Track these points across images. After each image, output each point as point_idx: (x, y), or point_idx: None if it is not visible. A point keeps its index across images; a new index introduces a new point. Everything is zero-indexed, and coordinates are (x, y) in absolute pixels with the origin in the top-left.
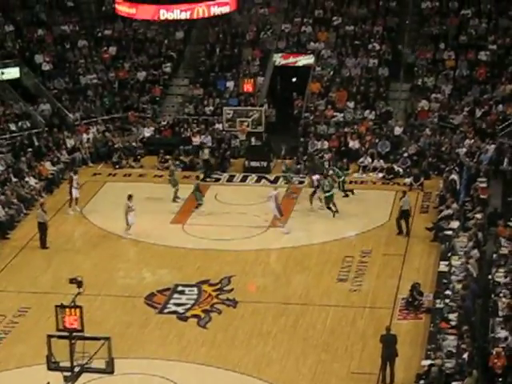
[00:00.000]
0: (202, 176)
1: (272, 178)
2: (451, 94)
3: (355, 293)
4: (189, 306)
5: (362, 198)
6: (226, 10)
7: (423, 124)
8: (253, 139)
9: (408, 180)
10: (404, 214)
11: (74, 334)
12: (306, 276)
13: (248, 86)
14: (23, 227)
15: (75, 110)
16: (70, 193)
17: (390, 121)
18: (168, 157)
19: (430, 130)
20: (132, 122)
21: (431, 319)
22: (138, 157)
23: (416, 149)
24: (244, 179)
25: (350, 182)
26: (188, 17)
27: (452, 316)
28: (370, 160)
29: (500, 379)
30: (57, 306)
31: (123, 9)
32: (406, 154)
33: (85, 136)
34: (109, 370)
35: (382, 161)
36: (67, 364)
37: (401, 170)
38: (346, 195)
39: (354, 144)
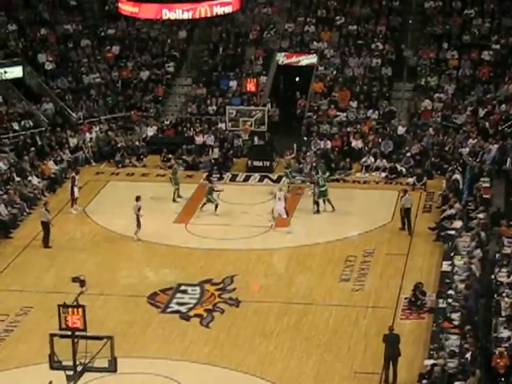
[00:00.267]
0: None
1: (275, 177)
2: (454, 93)
3: (358, 292)
4: (191, 305)
5: (364, 198)
6: (228, 9)
7: (426, 124)
8: (256, 139)
9: (411, 180)
10: (406, 213)
11: (77, 333)
12: (309, 276)
13: (251, 86)
14: (26, 226)
15: (78, 109)
16: (72, 192)
17: (393, 120)
18: (170, 156)
19: (433, 130)
20: (135, 122)
21: (434, 319)
22: (141, 156)
23: (419, 148)
24: (247, 179)
25: (353, 182)
26: (190, 16)
27: (455, 316)
28: (372, 159)
29: (503, 379)
30: (59, 305)
31: (126, 8)
32: (408, 154)
33: (88, 135)
34: (111, 369)
35: (384, 160)
36: (70, 363)
37: (404, 170)
38: (318, 210)
39: (356, 143)
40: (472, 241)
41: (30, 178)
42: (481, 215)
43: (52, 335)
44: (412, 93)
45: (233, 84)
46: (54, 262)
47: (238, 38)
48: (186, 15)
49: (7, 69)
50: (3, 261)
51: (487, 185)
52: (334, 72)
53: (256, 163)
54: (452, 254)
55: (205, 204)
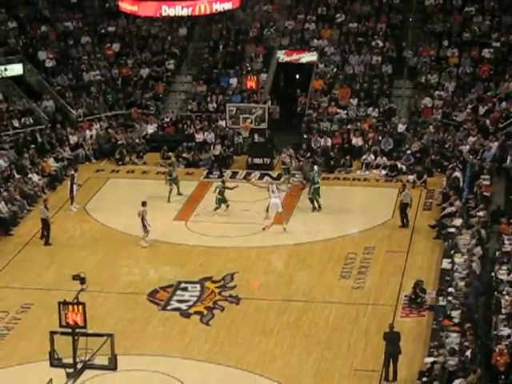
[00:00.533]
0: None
1: (275, 174)
2: (455, 91)
3: (358, 290)
4: (192, 302)
5: (365, 195)
6: (228, 6)
7: (426, 121)
8: (256, 136)
9: (411, 177)
10: (404, 207)
11: (77, 330)
12: (309, 273)
13: (251, 83)
14: (26, 223)
15: (78, 106)
16: (71, 190)
17: (393, 118)
18: (170, 154)
19: (433, 128)
20: (135, 119)
21: (434, 316)
22: (141, 153)
23: (419, 146)
24: (247, 176)
25: (353, 179)
26: (190, 13)
27: (455, 313)
28: (373, 157)
29: (503, 377)
30: (60, 303)
31: (126, 6)
32: (409, 152)
33: (88, 132)
34: (112, 366)
35: (385, 158)
36: (70, 360)
37: (404, 168)
38: (314, 207)
39: (357, 141)
40: (472, 238)
41: (30, 175)
42: (481, 213)
43: (52, 333)
44: (412, 90)
45: (233, 81)
46: (54, 260)
47: (238, 36)
48: (186, 11)
49: (7, 66)
50: (3, 258)
51: (487, 182)
52: (335, 69)
53: (256, 160)
54: (452, 252)
55: (217, 208)
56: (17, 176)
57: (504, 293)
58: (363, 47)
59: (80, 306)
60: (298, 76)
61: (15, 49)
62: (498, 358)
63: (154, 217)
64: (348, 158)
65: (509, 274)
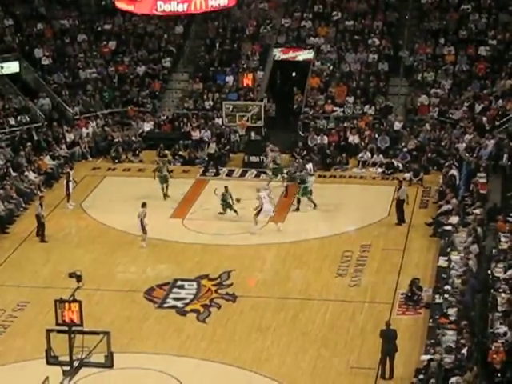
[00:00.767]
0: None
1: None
2: (451, 89)
3: (354, 288)
4: (188, 300)
5: (361, 193)
6: (224, 1)
7: (423, 119)
8: (252, 134)
9: (407, 175)
10: (400, 204)
11: (74, 328)
12: (306, 271)
13: (247, 81)
14: (22, 221)
15: (75, 104)
16: (67, 188)
17: (389, 116)
18: (167, 151)
19: (429, 125)
20: (131, 117)
21: (430, 314)
22: (137, 151)
23: (415, 144)
24: (243, 174)
25: (350, 177)
26: (185, 9)
27: (451, 311)
28: (369, 155)
29: (499, 374)
30: (56, 301)
31: (122, 6)
32: (405, 149)
33: (84, 130)
34: (108, 364)
35: (381, 156)
36: (66, 358)
37: (400, 165)
38: (298, 208)
39: (353, 139)
40: (468, 236)
41: (26, 173)
42: (477, 210)
43: (48, 331)
44: (408, 88)
45: (229, 79)
46: (50, 257)
47: (234, 33)
48: (181, 7)
49: (3, 64)
50: None
51: (484, 180)
52: (331, 67)
53: (252, 158)
54: (448, 250)
55: (221, 213)
56: (13, 174)
57: (500, 290)
58: (359, 45)
59: (76, 304)
60: (294, 74)
61: (11, 46)
62: (495, 356)
63: (151, 215)
64: (344, 155)
65: (505, 272)
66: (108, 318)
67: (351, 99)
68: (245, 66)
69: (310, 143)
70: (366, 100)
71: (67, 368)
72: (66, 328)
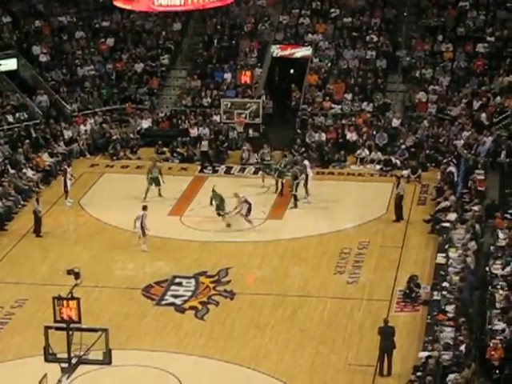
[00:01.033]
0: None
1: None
2: (449, 85)
3: (353, 285)
4: (186, 297)
5: (359, 190)
6: None
7: (421, 116)
8: (250, 131)
9: (405, 172)
10: (399, 200)
11: (72, 325)
12: (304, 268)
13: (246, 78)
14: (21, 218)
15: (73, 101)
16: (65, 185)
17: (387, 113)
18: (165, 149)
19: (427, 122)
20: (129, 114)
21: (428, 311)
22: (135, 148)
23: (414, 141)
24: (242, 171)
25: (348, 174)
26: (182, 3)
27: (449, 308)
28: (367, 152)
29: (497, 371)
30: (54, 298)
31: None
32: (403, 146)
33: (82, 127)
34: (106, 361)
35: (379, 153)
36: (64, 355)
37: (398, 162)
38: (296, 205)
39: (351, 136)
40: (467, 233)
41: (24, 170)
42: (475, 207)
43: (47, 327)
44: (407, 85)
45: (227, 76)
46: (48, 254)
47: (232, 31)
48: (178, 1)
49: (1, 61)
50: None
51: (482, 177)
52: (329, 64)
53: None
54: (447, 247)
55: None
56: (11, 171)
57: (498, 287)
58: (357, 42)
59: (74, 301)
60: (292, 71)
61: (9, 43)
62: (493, 353)
63: (149, 212)
64: (342, 152)
65: (503, 269)
66: (106, 315)
67: (349, 96)
68: (243, 63)
69: (308, 140)
70: (364, 97)
71: (65, 365)
72: (64, 325)
